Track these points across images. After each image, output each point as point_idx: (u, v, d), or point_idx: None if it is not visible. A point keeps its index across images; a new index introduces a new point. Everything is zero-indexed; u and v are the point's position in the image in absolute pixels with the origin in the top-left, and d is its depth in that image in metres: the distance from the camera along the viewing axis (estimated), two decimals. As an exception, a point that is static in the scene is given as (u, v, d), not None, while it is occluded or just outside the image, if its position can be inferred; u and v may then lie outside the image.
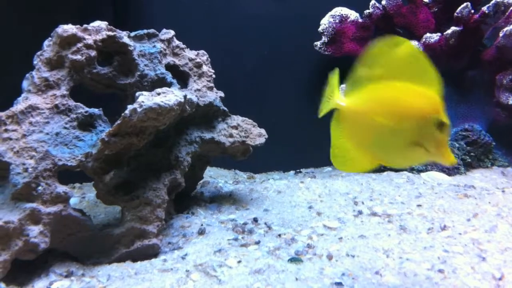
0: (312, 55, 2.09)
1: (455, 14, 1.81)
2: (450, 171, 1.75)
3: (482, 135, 1.86)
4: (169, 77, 1.32)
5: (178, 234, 1.27)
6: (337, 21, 1.98)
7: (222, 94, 1.49)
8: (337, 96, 0.91)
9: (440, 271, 0.99)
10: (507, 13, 1.81)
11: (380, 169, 1.83)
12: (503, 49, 1.80)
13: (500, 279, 0.97)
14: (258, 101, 2.08)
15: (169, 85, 1.30)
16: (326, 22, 1.98)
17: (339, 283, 0.96)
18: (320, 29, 1.99)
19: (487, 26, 1.86)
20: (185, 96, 1.14)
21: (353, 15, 1.99)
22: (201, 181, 1.64)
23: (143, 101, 1.06)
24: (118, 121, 1.08)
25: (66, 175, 1.13)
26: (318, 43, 2.01)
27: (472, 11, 1.81)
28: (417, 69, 0.81)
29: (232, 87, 1.96)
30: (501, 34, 1.76)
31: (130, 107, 1.07)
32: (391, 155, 0.86)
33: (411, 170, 1.77)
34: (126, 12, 2.00)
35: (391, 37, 0.81)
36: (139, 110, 1.05)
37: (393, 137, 0.82)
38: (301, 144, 2.15)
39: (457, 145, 1.83)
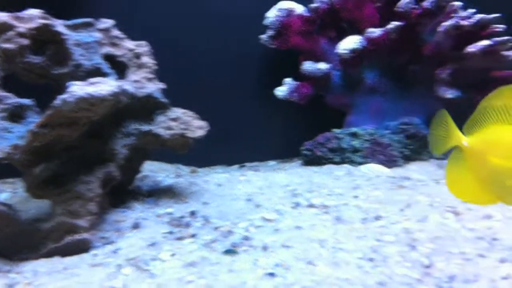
0: (257, 48, 2.09)
1: (397, 8, 1.85)
2: (388, 163, 1.78)
3: (420, 128, 1.90)
4: (105, 67, 1.30)
5: (112, 228, 1.24)
6: (283, 14, 1.98)
7: (163, 86, 1.47)
8: (458, 135, 0.90)
9: (371, 259, 1.01)
10: (447, 9, 1.86)
11: (321, 162, 1.86)
12: (441, 44, 1.85)
13: (428, 266, 0.99)
14: (203, 95, 2.06)
15: (105, 75, 1.28)
16: (272, 15, 1.98)
17: (272, 274, 0.96)
18: (266, 22, 1.99)
19: (429, 21, 1.91)
20: (120, 87, 1.11)
21: (299, 9, 2.00)
22: (140, 175, 1.61)
23: (74, 91, 1.04)
24: (48, 112, 1.05)
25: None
26: (264, 36, 2.01)
27: (415, 6, 1.85)
28: None
29: (177, 80, 1.94)
30: (440, 29, 1.80)
31: (61, 96, 1.04)
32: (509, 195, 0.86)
33: (351, 162, 1.80)
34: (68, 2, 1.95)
35: None
36: (70, 100, 1.02)
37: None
38: (246, 138, 2.15)
39: (396, 138, 1.87)
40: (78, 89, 1.04)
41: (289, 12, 1.97)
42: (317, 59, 2.01)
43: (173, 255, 1.06)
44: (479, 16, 1.75)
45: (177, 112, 1.44)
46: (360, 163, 1.78)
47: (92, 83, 1.08)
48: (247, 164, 2.16)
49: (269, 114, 2.17)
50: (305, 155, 1.92)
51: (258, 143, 2.18)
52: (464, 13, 1.85)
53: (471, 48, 1.72)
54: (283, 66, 2.11)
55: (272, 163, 2.14)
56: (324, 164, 1.84)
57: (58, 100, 1.03)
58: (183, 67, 2.05)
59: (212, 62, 2.09)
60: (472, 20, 1.75)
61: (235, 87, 2.13)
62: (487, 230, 1.19)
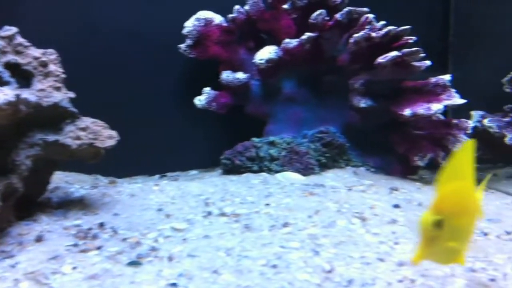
0: (178, 58, 2.07)
1: (310, 20, 1.89)
2: (305, 171, 1.82)
3: (336, 137, 1.95)
4: (6, 75, 1.24)
5: (14, 242, 1.18)
6: (201, 24, 1.99)
7: (72, 95, 1.42)
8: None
9: (274, 266, 1.02)
10: (360, 21, 1.92)
11: (240, 171, 1.86)
12: (354, 55, 1.91)
13: (329, 271, 1.01)
14: (123, 105, 2.03)
15: (5, 84, 1.22)
16: (190, 24, 1.98)
17: (174, 284, 0.95)
18: (184, 31, 1.99)
19: (342, 33, 1.96)
20: (17, 95, 1.07)
21: (217, 19, 2.01)
22: (52, 186, 1.55)
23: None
24: None
25: None
26: (182, 46, 2.00)
27: (327, 18, 1.90)
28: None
29: (97, 89, 1.91)
30: (351, 41, 1.86)
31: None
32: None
33: (269, 171, 1.82)
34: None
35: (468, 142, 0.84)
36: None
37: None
38: (168, 148, 2.13)
39: (313, 146, 1.91)
40: (-29, 97, 0.99)
41: (207, 22, 1.98)
42: (236, 69, 2.03)
43: (74, 268, 1.03)
44: (388, 28, 1.82)
45: (87, 121, 1.40)
46: (277, 172, 1.81)
47: (-13, 92, 1.04)
48: (169, 174, 2.13)
49: (191, 123, 2.16)
50: (224, 164, 1.92)
51: (180, 153, 2.17)
52: (377, 25, 1.92)
53: (382, 59, 1.78)
54: (204, 75, 2.11)
55: (193, 172, 2.13)
56: (243, 173, 1.85)
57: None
58: (103, 76, 2.00)
59: (132, 72, 2.05)
60: (381, 32, 1.81)
61: (156, 97, 2.11)
62: (390, 235, 1.23)
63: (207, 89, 2.00)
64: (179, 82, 2.14)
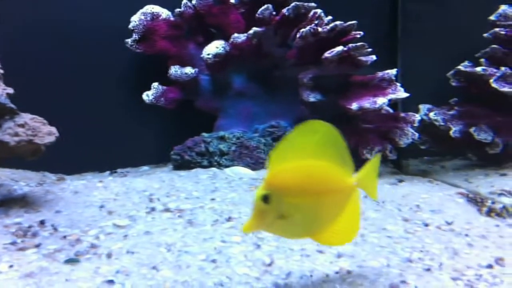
0: (126, 53, 2.04)
1: (257, 15, 1.89)
2: (255, 165, 1.82)
3: (287, 131, 1.96)
4: None
5: (-50, 241, 1.15)
6: (148, 18, 1.96)
7: (11, 91, 1.39)
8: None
9: (213, 261, 1.02)
10: (309, 16, 1.94)
11: (190, 166, 1.86)
12: (301, 50, 1.92)
13: (269, 264, 1.02)
14: (72, 101, 1.99)
15: None
16: (136, 19, 1.96)
17: (111, 281, 0.94)
18: (130, 26, 1.96)
19: (290, 27, 1.97)
20: None
21: (165, 13, 1.99)
22: (-7, 185, 1.51)
23: None
24: None
25: None
26: (129, 41, 1.97)
27: (274, 12, 1.90)
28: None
29: (43, 86, 1.87)
30: (298, 35, 1.87)
31: None
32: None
33: (219, 166, 1.82)
34: None
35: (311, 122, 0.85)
36: None
37: None
38: (118, 144, 2.10)
39: (263, 140, 1.91)
40: None
41: (154, 16, 1.96)
42: (185, 64, 2.01)
43: (11, 266, 1.01)
44: (335, 23, 1.84)
45: (26, 117, 1.37)
46: (227, 166, 1.81)
47: None
48: (119, 170, 2.10)
49: (142, 119, 2.13)
50: (174, 159, 1.91)
51: (130, 149, 2.14)
52: (325, 20, 1.94)
53: (328, 54, 1.80)
54: (153, 70, 2.08)
55: (145, 168, 2.11)
56: (193, 168, 1.84)
57: None
58: (50, 71, 1.96)
59: (80, 67, 2.01)
60: (328, 27, 1.83)
61: (105, 93, 2.07)
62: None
63: (155, 84, 1.98)
64: (129, 77, 2.11)
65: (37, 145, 1.34)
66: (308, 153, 0.85)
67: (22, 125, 1.34)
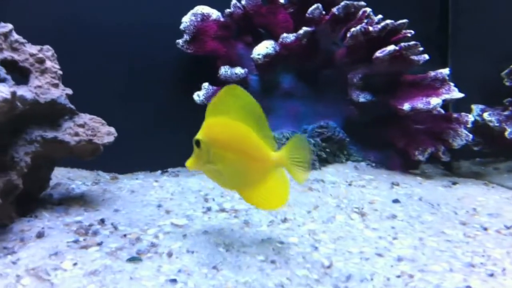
0: (176, 53, 2.07)
1: (307, 15, 1.89)
2: (305, 166, 1.82)
3: (336, 131, 1.95)
4: (2, 72, 1.24)
5: (16, 238, 1.19)
6: (198, 19, 1.98)
7: (70, 92, 1.43)
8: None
9: (273, 262, 1.02)
10: (358, 15, 1.92)
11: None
12: (351, 49, 1.90)
13: (328, 267, 1.02)
14: (124, 101, 2.03)
15: (2, 81, 1.22)
16: (187, 20, 1.98)
17: (174, 280, 0.95)
18: (181, 27, 1.98)
19: (339, 27, 1.96)
20: (14, 93, 1.08)
21: (215, 14, 2.00)
22: (53, 183, 1.56)
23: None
24: None
25: None
26: (180, 41, 1.99)
27: (323, 12, 1.90)
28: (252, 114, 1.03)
29: (95, 86, 1.91)
30: (348, 35, 1.86)
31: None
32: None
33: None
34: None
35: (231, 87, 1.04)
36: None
37: None
38: (169, 143, 2.12)
39: (313, 141, 1.91)
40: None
41: (204, 17, 1.97)
42: (234, 64, 2.02)
43: (75, 264, 1.03)
44: (386, 22, 1.82)
45: (85, 118, 1.41)
46: (277, 167, 1.81)
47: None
48: (170, 169, 2.13)
49: (190, 118, 2.15)
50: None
51: (179, 148, 2.16)
52: (375, 19, 1.92)
53: (379, 54, 1.78)
54: (201, 70, 2.10)
55: (193, 167, 2.13)
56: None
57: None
58: (103, 72, 2.01)
59: (131, 67, 2.05)
60: (379, 26, 1.81)
61: (156, 92, 2.11)
62: (390, 230, 1.23)
63: (205, 85, 1.99)
64: (177, 77, 2.13)
65: (96, 145, 1.38)
66: (236, 113, 1.02)
67: (81, 125, 1.37)
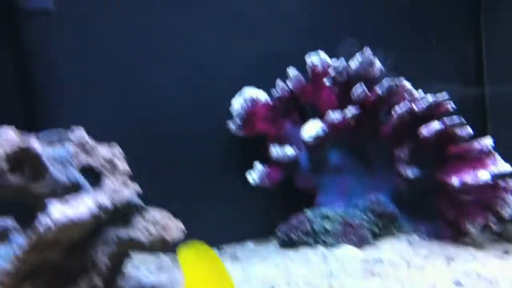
0: (225, 130, 2.18)
1: (353, 97, 1.98)
2: (360, 243, 1.87)
3: (387, 205, 2.00)
4: (81, 180, 1.34)
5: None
6: (249, 104, 2.09)
7: (138, 188, 1.52)
8: None
9: None
10: (400, 92, 2.01)
11: (296, 245, 1.93)
12: (397, 127, 1.98)
13: None
14: (177, 179, 2.14)
15: (82, 188, 1.32)
16: (238, 106, 2.08)
17: None
18: (233, 112, 2.09)
19: (383, 105, 2.05)
20: (99, 204, 1.17)
21: (263, 97, 2.11)
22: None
23: (54, 216, 1.08)
24: (32, 237, 1.10)
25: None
26: (233, 127, 2.10)
27: (368, 93, 1.99)
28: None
29: (147, 163, 2.01)
30: (394, 115, 1.94)
31: (42, 221, 1.08)
32: None
33: (325, 244, 1.88)
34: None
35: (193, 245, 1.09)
36: (51, 226, 1.07)
37: None
38: (221, 219, 2.21)
39: (365, 217, 1.96)
40: (57, 213, 1.09)
41: (254, 102, 2.08)
42: (282, 142, 2.12)
43: None
44: (430, 99, 1.89)
45: (153, 213, 1.47)
46: (332, 245, 1.86)
47: (70, 203, 1.13)
48: (225, 245, 2.20)
49: (242, 194, 2.23)
50: (281, 239, 1.99)
51: (233, 224, 2.24)
52: (416, 95, 2.00)
53: (425, 132, 1.85)
54: (249, 148, 2.20)
55: (249, 244, 2.18)
56: (298, 246, 1.91)
57: (40, 226, 1.08)
58: (155, 157, 2.12)
59: (181, 145, 2.17)
60: (423, 105, 1.89)
61: (205, 169, 2.20)
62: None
63: (258, 166, 2.08)
64: (226, 154, 2.23)
65: (167, 241, 1.45)
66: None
67: (152, 223, 1.45)
